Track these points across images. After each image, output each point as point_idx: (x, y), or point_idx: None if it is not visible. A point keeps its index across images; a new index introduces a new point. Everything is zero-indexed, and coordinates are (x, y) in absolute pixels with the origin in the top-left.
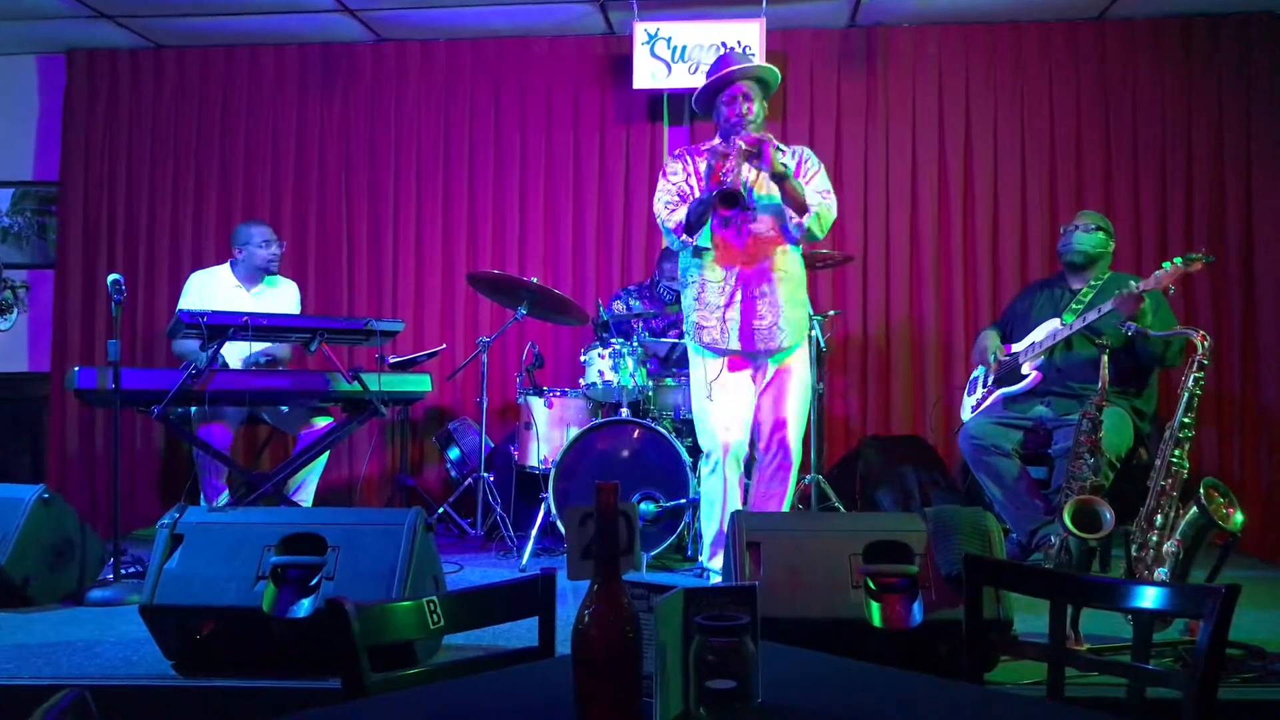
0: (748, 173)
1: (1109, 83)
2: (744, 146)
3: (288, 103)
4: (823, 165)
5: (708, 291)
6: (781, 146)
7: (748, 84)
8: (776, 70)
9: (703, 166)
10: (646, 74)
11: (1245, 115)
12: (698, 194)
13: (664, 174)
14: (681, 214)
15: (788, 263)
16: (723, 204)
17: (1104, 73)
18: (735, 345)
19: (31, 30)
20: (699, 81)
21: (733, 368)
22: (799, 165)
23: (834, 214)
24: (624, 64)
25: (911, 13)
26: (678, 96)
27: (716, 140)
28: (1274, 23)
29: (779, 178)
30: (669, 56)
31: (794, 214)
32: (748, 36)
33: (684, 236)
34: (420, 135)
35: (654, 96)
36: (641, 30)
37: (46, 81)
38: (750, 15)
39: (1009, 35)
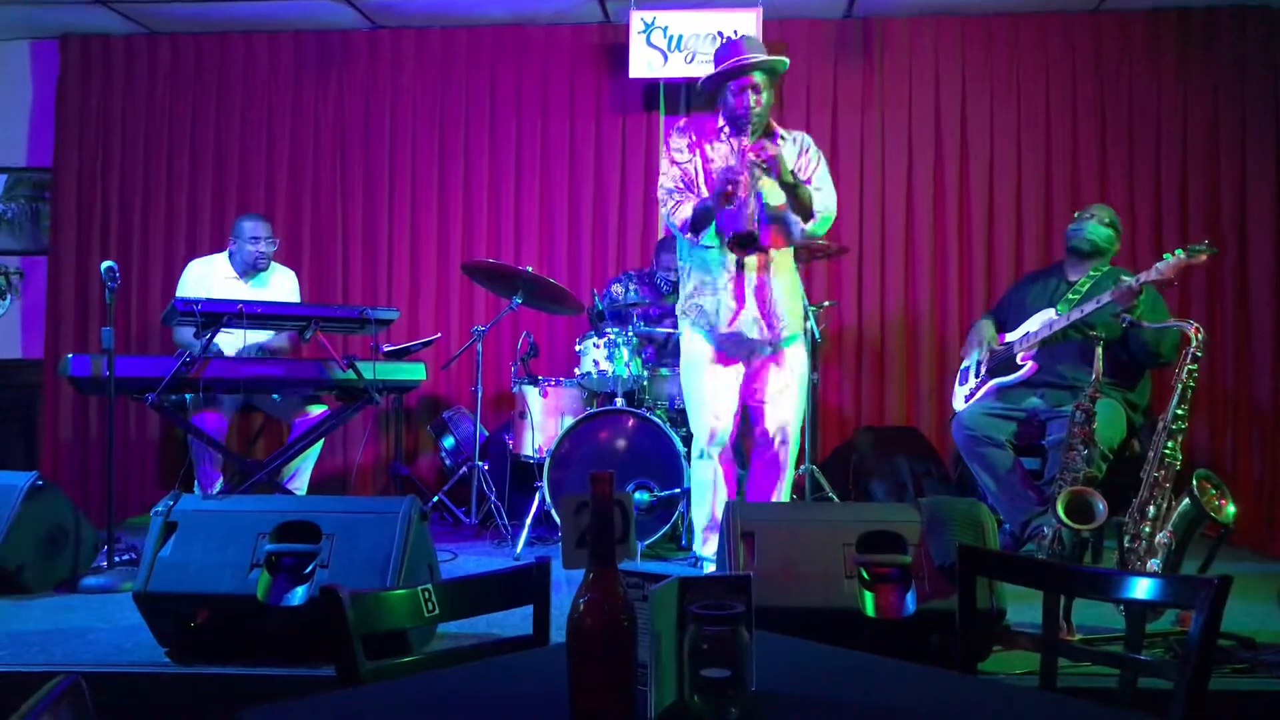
0: (759, 183)
1: (1105, 75)
2: (754, 159)
3: (283, 90)
4: (822, 155)
5: (709, 276)
6: (784, 135)
7: (758, 74)
8: (786, 60)
9: (714, 158)
10: (643, 63)
11: (1240, 107)
12: (702, 185)
13: (668, 151)
14: (686, 212)
15: (785, 257)
16: (736, 247)
17: (1100, 65)
18: (735, 329)
19: (25, 15)
20: (696, 71)
21: (726, 359)
22: (800, 155)
23: (834, 212)
24: (620, 52)
25: (908, 4)
26: (674, 85)
27: (722, 124)
28: (1269, 15)
29: (788, 186)
30: (665, 45)
31: (799, 219)
32: (744, 26)
33: (689, 235)
34: (415, 124)
35: (650, 85)
36: (638, 19)
37: (40, 67)
38: (747, 4)
39: (1005, 27)
